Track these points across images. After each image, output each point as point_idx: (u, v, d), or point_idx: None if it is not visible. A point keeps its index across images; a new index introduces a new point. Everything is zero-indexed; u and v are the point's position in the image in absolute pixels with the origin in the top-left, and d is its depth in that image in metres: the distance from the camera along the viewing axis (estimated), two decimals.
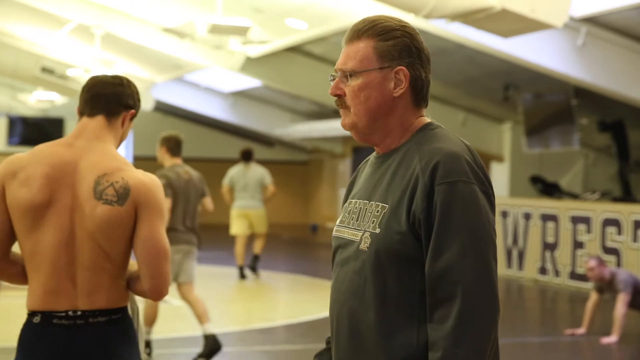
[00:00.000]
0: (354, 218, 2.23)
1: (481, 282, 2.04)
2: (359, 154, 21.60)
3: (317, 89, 15.66)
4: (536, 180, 14.47)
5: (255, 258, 12.46)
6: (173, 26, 10.05)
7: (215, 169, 20.84)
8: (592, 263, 8.44)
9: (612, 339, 8.15)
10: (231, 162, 24.69)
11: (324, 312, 9.49)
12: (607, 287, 8.39)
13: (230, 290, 11.38)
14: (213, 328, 6.97)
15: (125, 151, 23.61)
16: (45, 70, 18.04)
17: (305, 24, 12.18)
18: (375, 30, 2.20)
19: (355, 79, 2.20)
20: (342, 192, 19.05)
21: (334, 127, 19.99)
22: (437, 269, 2.05)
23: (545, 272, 12.38)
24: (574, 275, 11.90)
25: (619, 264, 11.05)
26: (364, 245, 2.15)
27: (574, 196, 13.91)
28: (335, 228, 2.32)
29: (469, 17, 6.81)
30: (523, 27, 7.10)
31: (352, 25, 2.26)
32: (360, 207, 2.23)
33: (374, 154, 2.31)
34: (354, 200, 2.28)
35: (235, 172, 12.38)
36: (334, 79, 2.25)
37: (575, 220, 11.95)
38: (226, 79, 18.36)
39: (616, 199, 12.98)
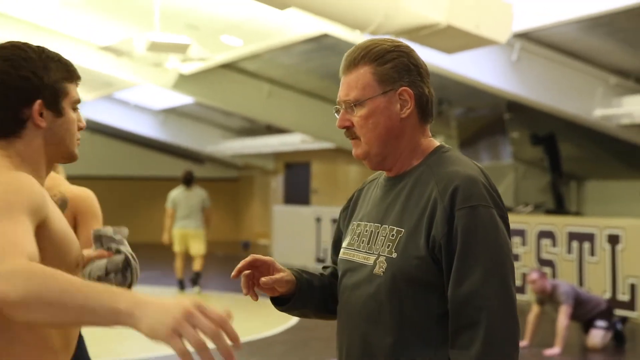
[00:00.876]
0: (364, 241, 2.21)
1: (504, 308, 2.04)
2: (291, 170, 21.61)
3: (251, 105, 15.63)
4: None
5: (197, 275, 12.89)
6: (110, 44, 9.91)
7: (145, 187, 20.57)
8: (534, 275, 8.55)
9: (555, 350, 8.26)
10: (161, 180, 24.22)
11: (267, 332, 9.44)
12: (548, 299, 8.51)
13: None
14: (156, 351, 6.87)
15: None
16: None
17: (241, 41, 12.16)
18: (370, 56, 2.19)
19: (360, 108, 2.18)
20: (275, 208, 18.97)
21: (265, 144, 19.98)
22: (460, 295, 2.03)
23: None
24: None
25: (554, 276, 11.22)
26: (378, 270, 2.13)
27: (506, 209, 14.09)
28: (342, 250, 2.29)
29: (414, 34, 6.87)
30: (467, 43, 7.19)
31: (346, 55, 2.24)
32: (372, 231, 2.20)
33: (383, 176, 2.29)
34: (362, 223, 2.25)
35: (176, 194, 12.79)
36: (338, 111, 2.23)
37: (510, 232, 12.10)
38: (156, 96, 18.20)
39: (549, 211, 13.20)
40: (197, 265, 12.87)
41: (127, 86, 16.58)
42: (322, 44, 11.91)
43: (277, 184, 22.20)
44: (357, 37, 9.76)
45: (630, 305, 10.21)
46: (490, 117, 13.37)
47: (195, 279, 12.91)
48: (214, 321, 1.52)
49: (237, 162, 22.72)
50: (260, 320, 10.49)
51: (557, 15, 9.30)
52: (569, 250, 11.19)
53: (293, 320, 10.13)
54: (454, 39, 6.97)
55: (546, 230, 11.60)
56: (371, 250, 2.17)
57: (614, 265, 10.55)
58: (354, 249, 2.23)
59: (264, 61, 13.79)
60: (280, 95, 15.48)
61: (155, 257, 15.51)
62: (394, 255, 2.11)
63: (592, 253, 10.86)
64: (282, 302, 2.35)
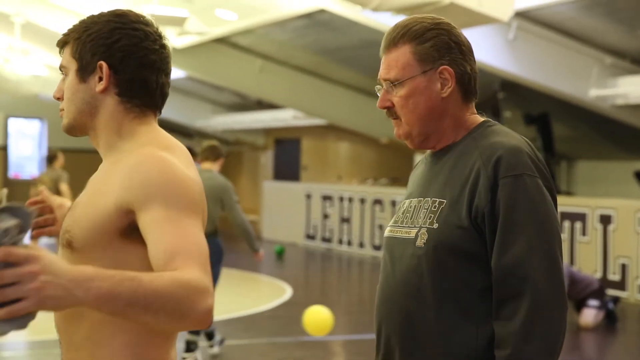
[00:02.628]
0: (407, 217, 2.18)
1: (550, 278, 1.99)
2: (281, 146, 21.58)
3: (243, 80, 15.58)
4: None
5: None
6: None
7: None
8: None
9: None
10: None
11: (262, 306, 9.45)
12: None
13: None
14: None
15: (38, 142, 23.09)
16: None
17: (236, 15, 12.09)
18: (410, 35, 2.14)
19: (400, 88, 2.14)
20: (265, 184, 18.98)
21: (256, 119, 19.92)
22: (504, 264, 1.99)
23: None
24: None
25: None
26: (420, 242, 2.09)
27: None
28: (387, 229, 2.26)
29: (416, 11, 6.84)
30: (469, 21, 7.17)
31: (386, 34, 2.20)
32: (414, 205, 2.18)
33: (427, 152, 2.26)
34: (407, 200, 2.23)
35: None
36: (379, 91, 2.19)
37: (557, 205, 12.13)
38: None
39: None
40: None
41: None
42: (316, 20, 11.86)
43: (267, 159, 22.17)
44: (355, 14, 9.74)
45: (620, 285, 10.27)
46: (484, 96, 13.34)
47: None
48: None
49: (227, 137, 22.66)
50: (254, 296, 10.52)
51: None
52: (562, 230, 11.24)
53: (286, 295, 10.15)
54: (456, 16, 6.93)
55: None
56: (414, 224, 2.14)
57: (605, 245, 10.60)
58: (398, 226, 2.20)
59: (257, 36, 13.73)
60: (273, 71, 15.43)
61: None
62: (436, 226, 2.07)
63: (584, 233, 10.91)
64: None
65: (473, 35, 9.98)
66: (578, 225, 11.00)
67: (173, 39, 13.59)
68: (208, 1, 11.78)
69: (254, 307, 9.30)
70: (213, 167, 7.06)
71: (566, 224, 11.18)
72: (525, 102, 13.08)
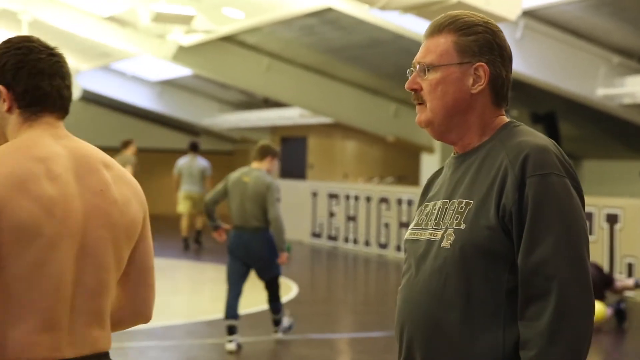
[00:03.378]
0: (432, 219, 2.15)
1: (577, 278, 1.96)
2: (287, 144, 21.58)
3: (250, 78, 15.58)
4: None
5: (198, 233, 15.11)
6: (114, 14, 9.83)
7: (140, 159, 20.45)
8: None
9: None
10: (155, 152, 24.35)
11: (266, 305, 9.45)
12: None
13: (170, 282, 11.24)
14: (158, 321, 6.89)
15: None
16: None
17: (243, 13, 12.09)
18: (456, 25, 2.13)
19: (433, 72, 2.13)
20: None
21: (262, 117, 19.92)
22: (530, 264, 1.97)
23: None
24: None
25: None
26: (446, 243, 2.07)
27: None
28: (409, 232, 2.23)
29: (423, 9, 6.84)
30: None
31: (432, 21, 2.20)
32: (440, 207, 2.15)
33: (451, 156, 2.24)
34: (431, 203, 2.20)
35: (182, 162, 15.08)
36: (411, 73, 2.18)
37: (585, 206, 12.11)
38: (154, 67, 18.10)
39: None
40: (199, 223, 14.99)
41: (124, 57, 16.48)
42: (323, 18, 11.86)
43: None
44: (362, 12, 9.74)
45: None
46: None
47: (197, 237, 15.05)
48: None
49: (233, 135, 22.66)
50: (259, 294, 10.51)
51: None
52: None
53: (292, 293, 10.16)
54: None
55: None
56: (439, 225, 2.11)
57: (612, 244, 10.59)
58: (421, 228, 2.18)
59: (264, 34, 13.73)
60: (279, 69, 15.42)
61: (152, 229, 15.48)
62: (463, 226, 2.05)
63: (590, 232, 10.89)
64: None
65: None
66: None
67: (180, 37, 13.60)
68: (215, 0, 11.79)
69: (261, 305, 9.31)
70: (261, 166, 7.50)
71: None
72: (532, 101, 13.06)
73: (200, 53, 14.73)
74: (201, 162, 15.02)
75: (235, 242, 7.29)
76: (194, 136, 23.17)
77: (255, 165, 7.53)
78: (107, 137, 22.80)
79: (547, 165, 2.01)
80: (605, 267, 10.49)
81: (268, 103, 19.36)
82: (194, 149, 15.22)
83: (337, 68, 14.81)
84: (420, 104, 2.17)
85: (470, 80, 2.12)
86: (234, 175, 7.56)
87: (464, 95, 2.12)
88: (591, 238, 10.83)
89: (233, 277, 7.26)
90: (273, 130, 21.71)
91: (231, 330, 7.15)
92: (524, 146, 2.04)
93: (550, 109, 12.94)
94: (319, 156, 20.52)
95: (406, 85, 2.18)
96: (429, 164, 15.91)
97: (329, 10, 10.92)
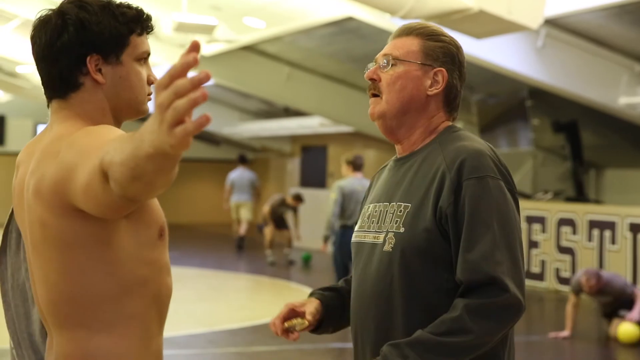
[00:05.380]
0: (374, 222, 2.21)
1: (512, 274, 2.03)
2: (307, 153, 21.59)
3: (270, 87, 15.60)
4: None
5: (241, 239, 16.38)
6: None
7: None
8: (593, 281, 8.27)
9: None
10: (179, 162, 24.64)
11: None
12: (599, 294, 8.47)
13: (192, 291, 11.27)
14: (180, 329, 6.91)
15: None
16: None
17: (264, 23, 12.12)
18: (425, 31, 2.25)
19: (396, 67, 2.21)
20: (291, 190, 19.10)
21: (283, 126, 19.95)
22: (470, 261, 2.02)
23: None
24: (528, 275, 12.02)
25: (574, 264, 11.21)
26: (388, 246, 2.12)
27: (525, 196, 14.07)
28: (354, 234, 2.29)
29: (445, 18, 6.83)
30: (499, 29, 7.15)
31: (401, 25, 2.30)
32: (380, 210, 2.21)
33: (392, 158, 2.30)
34: (372, 205, 2.26)
35: (234, 175, 16.48)
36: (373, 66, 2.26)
37: (530, 220, 12.09)
38: None
39: (569, 199, 13.16)
40: (241, 230, 16.28)
41: None
42: (344, 27, 11.86)
43: (294, 166, 22.19)
44: (384, 21, 9.74)
45: None
46: (511, 104, 13.31)
47: (240, 243, 16.28)
48: (172, 80, 1.41)
49: (254, 144, 22.70)
50: (281, 303, 10.52)
51: (584, 2, 9.24)
52: (589, 238, 11.16)
53: None
54: (485, 24, 6.93)
55: (566, 217, 11.57)
56: (381, 228, 2.17)
57: (635, 254, 10.52)
58: (364, 231, 2.23)
59: (284, 44, 13.75)
60: (300, 78, 15.44)
61: (174, 238, 15.56)
62: (402, 230, 2.11)
63: (613, 241, 10.83)
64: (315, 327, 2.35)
65: (501, 43, 9.95)
66: (607, 233, 10.92)
67: (202, 46, 13.65)
68: (236, 9, 11.81)
69: None
70: (356, 175, 9.22)
71: (595, 233, 11.11)
72: (553, 110, 13.00)
73: (221, 62, 14.77)
74: (249, 174, 16.46)
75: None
76: (215, 146, 23.23)
77: (357, 175, 9.17)
78: None
79: (482, 168, 2.07)
80: (629, 277, 10.42)
81: (288, 112, 19.39)
82: (242, 161, 16.59)
83: (357, 77, 14.80)
84: (375, 96, 2.23)
85: (429, 82, 2.20)
86: (346, 185, 9.04)
87: (420, 94, 2.20)
88: (614, 247, 10.77)
89: (345, 270, 8.62)
90: (293, 139, 21.74)
91: None
92: (461, 151, 2.10)
93: (572, 117, 12.88)
94: (340, 165, 20.49)
95: (366, 75, 2.24)
96: None
97: (350, 19, 10.93)
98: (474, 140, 2.15)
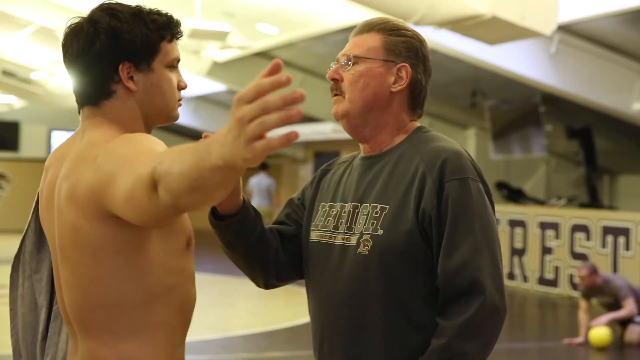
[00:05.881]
0: (342, 222, 2.15)
1: (494, 278, 2.02)
2: (320, 159, 21.60)
3: (283, 93, 15.62)
4: (502, 186, 14.60)
5: None
6: None
7: None
8: (584, 272, 8.38)
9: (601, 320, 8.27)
10: None
11: (301, 319, 9.45)
12: (597, 293, 8.44)
13: (205, 297, 11.27)
14: (194, 335, 6.92)
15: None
16: (6, 73, 17.73)
17: (276, 29, 12.15)
18: (387, 26, 2.20)
19: (357, 65, 2.17)
20: None
21: None
22: (451, 265, 2.01)
23: (513, 278, 12.47)
24: (542, 281, 12.00)
25: None
26: (363, 249, 2.08)
27: (538, 202, 14.04)
28: (314, 233, 2.21)
29: (458, 25, 6.84)
30: (511, 35, 7.15)
31: (362, 21, 2.25)
32: (350, 211, 2.14)
33: (359, 156, 2.24)
34: (337, 204, 2.19)
35: (254, 180, 16.57)
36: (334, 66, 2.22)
37: (544, 226, 12.06)
38: (189, 83, 18.16)
39: (583, 205, 13.13)
40: None
41: None
42: None
43: (306, 172, 22.21)
44: None
45: None
46: (524, 110, 13.30)
47: None
48: (259, 95, 1.40)
49: None
50: (294, 308, 10.52)
51: (597, 8, 9.23)
52: (603, 245, 11.13)
53: None
54: (499, 30, 6.93)
55: (580, 224, 11.54)
56: (351, 230, 2.12)
57: None
58: (330, 231, 2.17)
59: (298, 50, 13.78)
60: (313, 85, 15.46)
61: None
62: (380, 232, 2.06)
63: (627, 248, 10.79)
64: (221, 218, 2.21)
65: (514, 49, 9.95)
66: (621, 240, 10.89)
67: (215, 52, 13.68)
68: (250, 16, 11.85)
69: (295, 320, 9.32)
70: None
71: (609, 239, 11.07)
72: (567, 116, 12.99)
73: (234, 68, 14.82)
74: (268, 180, 16.56)
75: None
76: None
77: None
78: None
79: (463, 169, 2.06)
80: None
81: (302, 118, 19.43)
82: (263, 167, 16.56)
83: None
84: (337, 95, 2.19)
85: (392, 79, 2.16)
86: None
87: (384, 91, 2.16)
88: (628, 254, 10.73)
89: None
90: (306, 145, 21.76)
91: None
92: (440, 151, 2.08)
93: (585, 123, 12.86)
94: None
95: (328, 75, 2.20)
96: None
97: None
98: (448, 141, 2.14)
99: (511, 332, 9.72)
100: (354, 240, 2.10)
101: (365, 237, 2.08)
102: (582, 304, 8.49)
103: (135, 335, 1.88)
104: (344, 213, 2.15)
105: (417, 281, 2.05)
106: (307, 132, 19.59)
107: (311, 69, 15.11)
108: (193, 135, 22.69)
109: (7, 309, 2.22)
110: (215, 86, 17.25)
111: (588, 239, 11.38)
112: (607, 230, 11.13)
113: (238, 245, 2.23)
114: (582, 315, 8.44)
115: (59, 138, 23.23)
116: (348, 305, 2.10)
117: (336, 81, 2.18)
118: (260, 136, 1.39)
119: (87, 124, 1.96)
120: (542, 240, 12.05)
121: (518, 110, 13.52)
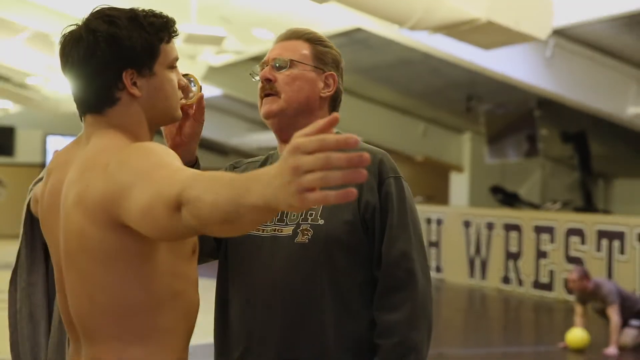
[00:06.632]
0: None
1: (425, 271, 2.17)
2: None
3: None
4: (497, 190, 14.63)
5: None
6: None
7: None
8: (574, 276, 8.41)
9: (611, 350, 8.17)
10: None
11: None
12: (590, 298, 8.44)
13: (203, 301, 11.27)
14: (194, 339, 6.91)
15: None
16: (1, 78, 17.72)
17: (272, 34, 12.16)
18: (312, 37, 2.31)
19: (291, 69, 2.25)
20: None
21: None
22: (392, 257, 2.13)
23: (508, 282, 12.49)
24: (537, 285, 12.02)
25: None
26: (302, 238, 2.15)
27: (533, 206, 14.07)
28: None
29: (453, 29, 6.86)
30: (506, 40, 7.17)
31: (287, 29, 2.36)
32: None
33: (279, 156, 2.28)
34: None
35: None
36: (258, 73, 2.29)
37: (539, 230, 12.08)
38: None
39: (578, 209, 13.16)
40: None
41: None
42: (352, 38, 11.89)
43: None
44: (392, 32, 9.77)
45: None
46: (520, 114, 13.33)
47: None
48: (321, 149, 1.38)
49: (262, 154, 22.75)
50: None
51: (593, 13, 9.25)
52: (598, 248, 11.15)
53: None
54: (494, 35, 6.95)
55: (575, 227, 11.56)
56: (283, 221, 2.20)
57: None
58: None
59: None
60: None
61: None
62: (321, 222, 2.15)
63: (622, 252, 10.82)
64: None
65: (509, 53, 9.97)
66: (616, 244, 10.91)
67: (210, 57, 13.70)
68: (245, 21, 11.87)
69: None
70: None
71: (604, 243, 11.09)
72: (562, 120, 13.02)
73: (230, 73, 14.83)
74: None
75: None
76: (224, 156, 23.29)
77: None
78: None
79: (396, 170, 2.21)
80: (638, 288, 10.41)
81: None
82: None
83: (366, 88, 14.84)
84: (269, 95, 2.26)
85: (321, 85, 2.28)
86: None
87: (315, 96, 2.27)
88: (623, 258, 10.75)
89: None
90: None
91: None
92: (374, 152, 2.20)
93: (580, 128, 12.89)
94: None
95: (261, 75, 2.27)
96: (458, 183, 15.87)
97: (358, 30, 10.96)
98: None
99: (506, 336, 9.73)
100: (287, 230, 2.17)
101: (303, 226, 2.15)
102: (578, 308, 8.50)
103: (142, 341, 1.88)
104: None
105: (355, 269, 2.15)
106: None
107: None
108: None
109: (6, 313, 2.21)
110: (211, 91, 17.26)
111: (583, 243, 11.40)
112: (602, 234, 11.15)
113: None
114: (578, 320, 8.45)
115: (54, 143, 23.22)
116: (284, 295, 2.15)
117: (270, 81, 2.26)
118: (314, 188, 1.39)
119: (91, 130, 1.95)
120: (537, 244, 12.07)
121: (513, 114, 13.55)
